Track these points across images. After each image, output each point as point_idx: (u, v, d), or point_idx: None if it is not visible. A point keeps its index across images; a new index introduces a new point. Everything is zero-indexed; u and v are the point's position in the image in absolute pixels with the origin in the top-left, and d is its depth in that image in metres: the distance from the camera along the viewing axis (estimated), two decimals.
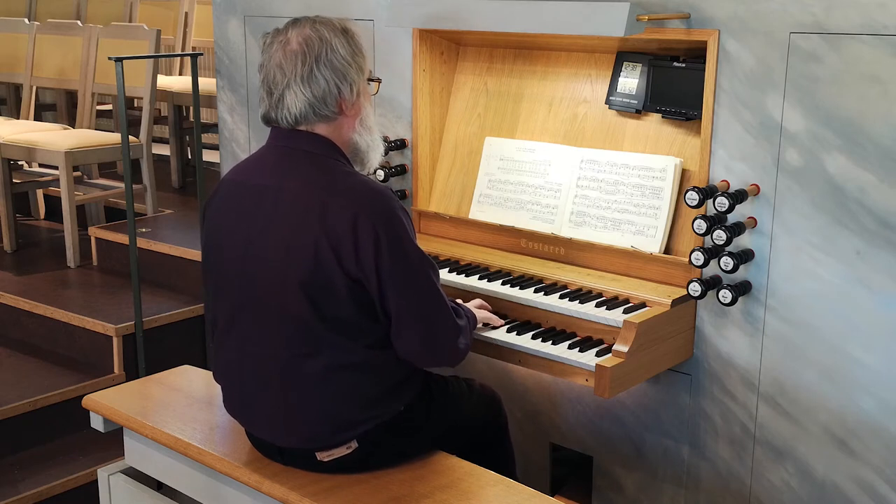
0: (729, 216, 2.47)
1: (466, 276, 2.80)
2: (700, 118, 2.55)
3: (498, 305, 2.69)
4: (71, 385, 3.77)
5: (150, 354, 3.95)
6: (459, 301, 2.54)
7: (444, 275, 2.79)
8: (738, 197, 2.44)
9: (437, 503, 2.18)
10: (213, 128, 5.80)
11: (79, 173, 5.22)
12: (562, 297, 2.63)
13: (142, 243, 4.42)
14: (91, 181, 5.46)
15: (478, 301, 2.65)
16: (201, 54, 4.51)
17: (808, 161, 2.38)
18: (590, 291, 2.67)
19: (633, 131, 2.81)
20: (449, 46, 3.16)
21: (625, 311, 2.53)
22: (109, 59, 3.91)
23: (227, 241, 2.30)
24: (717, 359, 2.60)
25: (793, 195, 2.41)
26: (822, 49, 2.31)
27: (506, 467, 2.59)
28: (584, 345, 2.50)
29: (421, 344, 2.24)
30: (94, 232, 4.78)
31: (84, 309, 4.10)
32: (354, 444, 2.26)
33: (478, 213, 3.05)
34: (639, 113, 2.79)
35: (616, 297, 2.62)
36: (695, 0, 2.49)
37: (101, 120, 6.44)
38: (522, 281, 2.75)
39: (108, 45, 5.18)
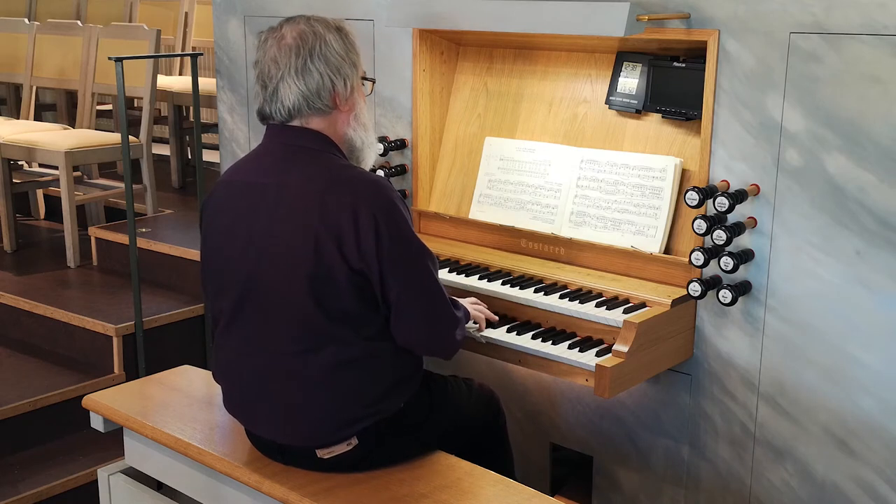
0: (729, 216, 2.47)
1: (466, 276, 2.80)
2: (700, 118, 2.55)
3: (498, 305, 2.70)
4: (71, 385, 3.77)
5: (150, 354, 3.95)
6: (453, 297, 2.55)
7: (444, 275, 2.79)
8: (738, 197, 2.44)
9: (437, 503, 2.18)
10: (213, 128, 5.80)
11: (79, 173, 5.22)
12: (562, 297, 2.63)
13: (142, 243, 4.42)
14: (91, 181, 5.46)
15: (472, 298, 2.65)
16: (201, 54, 4.51)
17: (808, 161, 2.38)
18: (590, 291, 2.67)
19: (633, 131, 2.81)
20: (449, 46, 3.16)
21: (625, 311, 2.53)
22: (109, 59, 3.91)
23: (227, 242, 2.30)
24: (717, 359, 2.60)
25: (793, 195, 2.41)
26: (822, 49, 2.31)
27: (505, 467, 2.59)
28: (584, 345, 2.50)
29: (420, 331, 2.27)
30: (94, 232, 4.78)
31: (84, 309, 4.10)
32: (355, 441, 2.27)
33: (478, 213, 3.05)
34: (639, 113, 2.79)
35: (616, 297, 2.62)
36: (695, 0, 2.49)
37: (101, 120, 6.44)
38: (522, 281, 2.75)
39: (108, 45, 5.18)
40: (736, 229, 2.45)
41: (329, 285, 2.17)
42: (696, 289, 2.51)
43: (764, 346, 2.51)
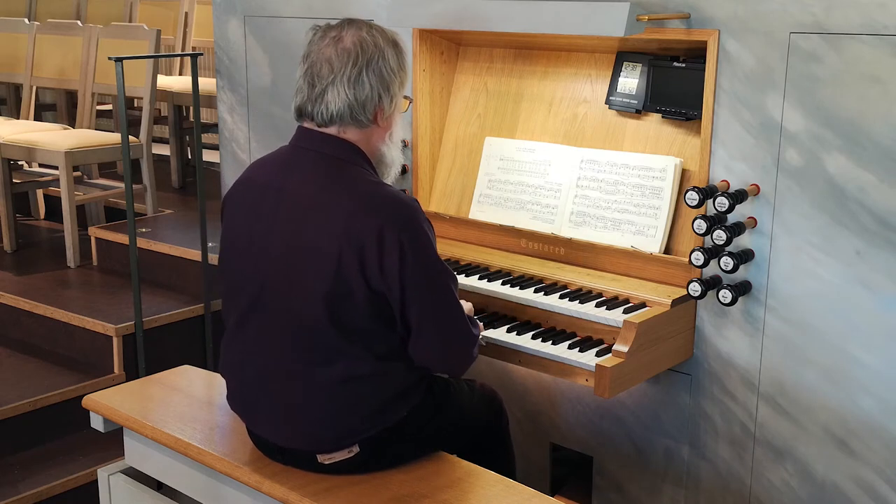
0: (729, 216, 2.47)
1: (466, 276, 2.80)
2: (700, 118, 2.55)
3: (498, 305, 2.70)
4: (71, 385, 3.77)
5: (150, 354, 3.95)
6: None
7: None
8: (738, 197, 2.44)
9: (438, 503, 2.18)
10: (213, 128, 5.80)
11: (79, 173, 5.21)
12: (562, 297, 2.63)
13: (142, 243, 4.42)
14: (91, 181, 5.46)
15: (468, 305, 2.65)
16: (201, 54, 4.50)
17: (808, 161, 2.38)
18: (590, 291, 2.67)
19: (633, 131, 2.81)
20: (449, 46, 3.16)
21: (625, 311, 2.53)
22: (109, 59, 3.91)
23: (244, 243, 2.27)
24: (717, 359, 2.60)
25: (793, 195, 2.41)
26: (822, 49, 2.31)
27: (506, 467, 2.59)
28: (584, 345, 2.50)
29: (439, 352, 2.25)
30: (94, 232, 4.78)
31: (84, 309, 4.09)
32: (356, 449, 2.26)
33: (478, 213, 3.05)
34: (639, 113, 2.79)
35: (616, 297, 2.62)
36: (695, 0, 2.49)
37: (101, 120, 6.44)
38: (522, 281, 2.75)
39: (108, 45, 5.18)
40: (736, 229, 2.45)
41: (346, 302, 2.14)
42: (696, 289, 2.51)
43: (764, 346, 2.51)
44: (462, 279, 2.78)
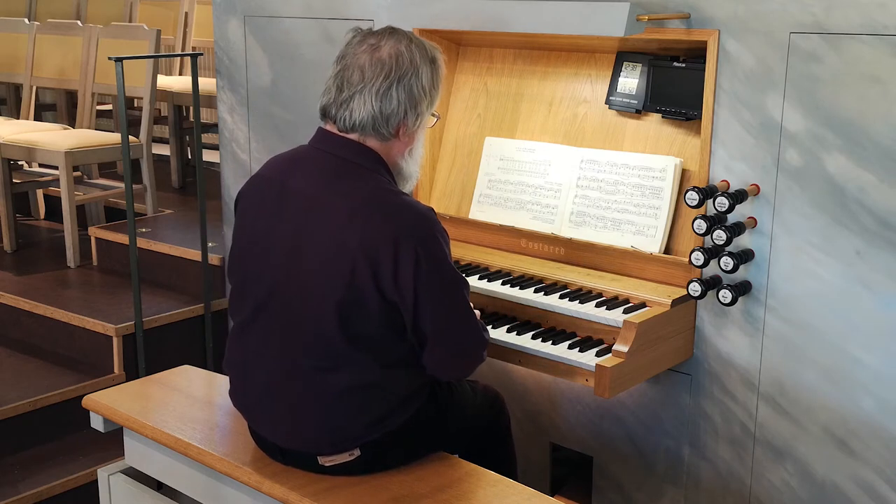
0: (729, 216, 2.47)
1: (466, 276, 2.79)
2: (700, 118, 2.55)
3: (498, 305, 2.70)
4: (71, 385, 3.77)
5: (150, 354, 3.95)
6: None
7: None
8: (738, 197, 2.44)
9: (438, 503, 2.18)
10: (213, 128, 5.79)
11: (79, 173, 5.21)
12: (562, 297, 2.63)
13: (142, 243, 4.42)
14: (91, 181, 5.45)
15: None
16: (201, 54, 4.50)
17: (808, 161, 2.38)
18: (590, 291, 2.67)
19: (633, 131, 2.81)
20: (449, 46, 3.15)
21: (625, 311, 2.53)
22: (109, 59, 3.90)
23: (256, 242, 2.26)
24: (717, 359, 2.60)
25: (793, 195, 2.41)
26: (822, 49, 2.31)
27: (507, 467, 2.58)
28: (584, 345, 2.50)
29: (452, 360, 2.26)
30: (94, 232, 4.77)
31: (84, 309, 4.09)
32: (357, 452, 2.25)
33: (478, 213, 3.05)
34: (639, 113, 2.79)
35: (616, 297, 2.62)
36: (695, 0, 2.49)
37: (101, 120, 6.44)
38: (522, 281, 2.75)
39: (108, 45, 5.17)
40: (736, 229, 2.45)
41: (357, 310, 2.13)
42: (696, 289, 2.51)
43: (764, 346, 2.51)
44: None
